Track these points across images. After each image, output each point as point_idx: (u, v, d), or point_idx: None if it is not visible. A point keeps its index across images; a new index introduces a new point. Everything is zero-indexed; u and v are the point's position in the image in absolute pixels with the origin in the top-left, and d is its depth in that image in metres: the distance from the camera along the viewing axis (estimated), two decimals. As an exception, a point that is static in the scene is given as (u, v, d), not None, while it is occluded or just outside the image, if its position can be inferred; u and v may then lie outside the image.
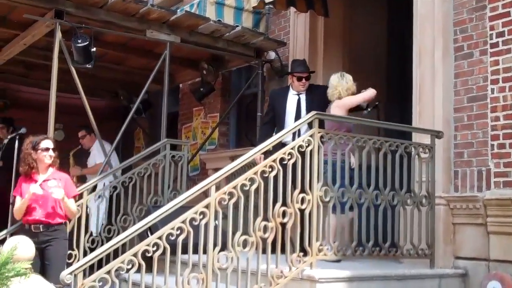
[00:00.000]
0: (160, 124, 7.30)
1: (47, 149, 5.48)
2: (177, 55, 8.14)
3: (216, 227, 4.44)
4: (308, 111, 5.96)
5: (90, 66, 6.78)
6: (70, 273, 3.81)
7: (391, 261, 5.50)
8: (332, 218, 4.96)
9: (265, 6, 6.94)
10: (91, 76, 9.24)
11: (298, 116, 6.18)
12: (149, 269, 4.18)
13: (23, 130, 6.97)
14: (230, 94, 8.94)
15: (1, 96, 9.85)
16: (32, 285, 3.46)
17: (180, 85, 9.77)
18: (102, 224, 6.94)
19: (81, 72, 7.87)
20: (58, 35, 6.49)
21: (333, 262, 5.08)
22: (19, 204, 5.45)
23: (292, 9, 7.42)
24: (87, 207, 6.25)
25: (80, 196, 6.10)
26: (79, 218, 6.05)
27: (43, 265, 5.28)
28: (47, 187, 5.45)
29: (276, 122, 6.37)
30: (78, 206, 6.02)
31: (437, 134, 5.41)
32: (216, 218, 4.36)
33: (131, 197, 6.52)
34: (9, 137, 8.39)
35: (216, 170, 4.68)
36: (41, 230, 5.37)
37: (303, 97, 6.35)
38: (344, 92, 5.97)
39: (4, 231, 5.77)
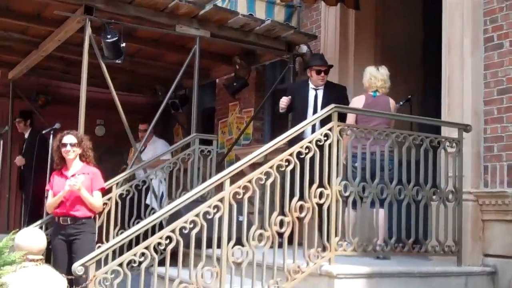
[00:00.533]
0: (198, 119, 7.34)
1: (64, 145, 5.56)
2: (209, 50, 8.18)
3: (239, 220, 4.44)
4: (324, 107, 5.87)
5: (119, 61, 6.86)
6: (82, 265, 3.86)
7: (420, 258, 5.37)
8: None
9: (294, -1, 6.87)
10: (129, 72, 9.44)
11: (315, 111, 6.16)
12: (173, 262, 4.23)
13: (57, 125, 7.11)
14: (264, 89, 8.90)
15: (43, 92, 10.03)
16: (40, 274, 3.52)
17: (217, 80, 9.79)
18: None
19: (119, 68, 8.07)
20: (88, 31, 6.57)
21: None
22: (51, 200, 5.56)
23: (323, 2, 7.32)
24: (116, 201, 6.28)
25: (109, 190, 6.17)
26: (109, 212, 6.12)
27: (70, 257, 5.37)
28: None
29: (293, 116, 6.33)
30: (107, 200, 6.14)
31: (465, 128, 5.25)
32: (230, 211, 4.33)
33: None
34: (28, 131, 8.61)
35: (254, 166, 4.65)
36: (69, 223, 5.46)
37: (320, 93, 6.32)
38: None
39: (39, 221, 5.95)
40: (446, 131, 5.49)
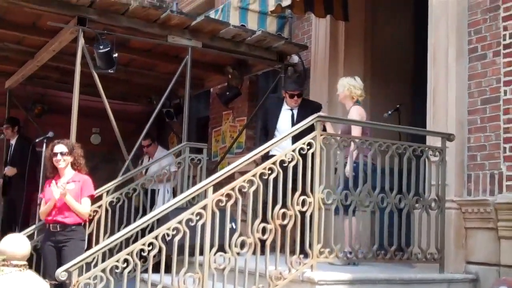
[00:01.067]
0: (192, 128, 7.45)
1: (55, 154, 5.66)
2: (202, 60, 8.30)
3: (232, 228, 4.55)
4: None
5: (112, 71, 6.96)
6: (65, 270, 3.95)
7: (404, 265, 5.43)
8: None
9: (283, 10, 6.95)
10: (124, 81, 9.56)
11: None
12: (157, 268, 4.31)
13: (50, 134, 7.18)
14: (257, 98, 8.99)
15: (39, 101, 10.16)
16: (24, 279, 3.60)
17: (211, 90, 9.89)
18: None
19: (114, 77, 8.20)
20: (81, 41, 6.69)
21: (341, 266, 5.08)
22: (43, 208, 5.68)
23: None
24: (106, 209, 6.37)
25: (100, 197, 6.26)
26: (99, 219, 6.21)
27: (59, 263, 5.45)
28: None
29: (269, 136, 6.42)
30: (98, 207, 6.23)
31: (448, 137, 5.33)
32: (213, 219, 4.42)
33: (150, 200, 6.66)
34: (15, 138, 8.69)
35: (242, 173, 4.74)
36: (58, 229, 5.58)
37: (295, 112, 6.45)
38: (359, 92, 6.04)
39: (31, 227, 6.13)
40: (430, 140, 5.56)
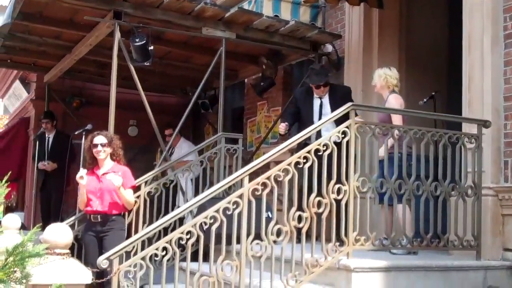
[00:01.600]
0: (227, 119, 7.53)
1: (95, 145, 5.78)
2: (236, 51, 8.38)
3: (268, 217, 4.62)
4: (329, 114, 6.04)
5: (148, 64, 7.05)
6: (106, 258, 4.07)
7: (440, 253, 5.43)
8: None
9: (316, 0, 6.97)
10: (160, 74, 9.69)
11: (320, 118, 6.31)
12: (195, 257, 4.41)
13: (89, 127, 7.36)
14: (291, 88, 9.02)
15: (78, 94, 10.37)
16: (67, 267, 3.72)
17: (245, 80, 9.96)
18: None
19: (150, 70, 8.32)
20: (117, 35, 6.80)
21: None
22: (83, 196, 5.81)
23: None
24: (144, 199, 6.48)
25: (138, 188, 6.38)
26: (138, 209, 6.33)
27: (100, 252, 5.59)
28: (105, 180, 5.77)
29: (299, 125, 6.48)
30: (137, 197, 6.35)
31: (484, 124, 5.30)
32: (249, 207, 4.48)
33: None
34: (53, 133, 8.85)
35: (277, 163, 4.80)
36: (99, 220, 5.71)
37: (325, 101, 6.53)
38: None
39: (73, 218, 6.34)
40: (466, 127, 5.54)
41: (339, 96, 6.44)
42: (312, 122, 6.27)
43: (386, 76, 6.03)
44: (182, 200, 7.15)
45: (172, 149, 8.80)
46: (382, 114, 5.84)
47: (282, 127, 6.59)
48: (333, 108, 6.26)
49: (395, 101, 5.93)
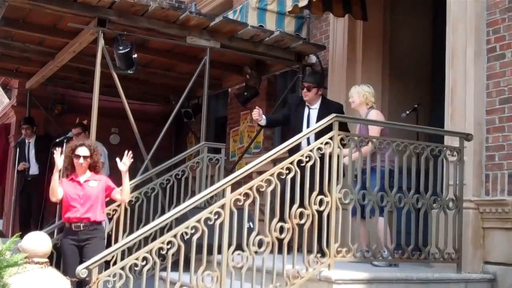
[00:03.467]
0: (210, 128, 7.50)
1: (78, 157, 5.74)
2: (221, 61, 8.37)
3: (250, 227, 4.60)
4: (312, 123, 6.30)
5: (131, 72, 7.04)
6: (85, 268, 4.02)
7: (422, 265, 5.44)
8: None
9: (301, 10, 6.98)
10: (144, 82, 9.66)
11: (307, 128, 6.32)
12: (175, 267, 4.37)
13: (70, 134, 7.29)
14: (275, 98, 9.03)
15: (59, 101, 10.27)
16: (45, 276, 3.67)
17: (229, 90, 9.95)
18: None
19: (133, 78, 8.29)
20: (101, 42, 6.77)
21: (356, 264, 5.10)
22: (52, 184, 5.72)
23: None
24: (125, 208, 6.44)
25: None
26: (118, 218, 6.28)
27: (81, 261, 5.52)
28: (88, 187, 5.73)
29: (287, 131, 6.49)
30: (117, 206, 6.31)
31: (465, 137, 5.32)
32: (231, 218, 4.45)
33: (168, 198, 6.73)
34: (33, 138, 8.80)
35: (260, 173, 4.78)
36: (82, 228, 5.64)
37: (313, 112, 6.51)
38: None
39: (52, 226, 6.33)
40: (448, 140, 5.56)
41: (328, 111, 6.39)
42: (298, 131, 6.28)
43: (365, 93, 6.09)
44: None
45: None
46: (363, 128, 5.87)
47: (255, 111, 6.45)
48: (318, 121, 6.21)
49: (376, 115, 5.97)
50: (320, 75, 7.35)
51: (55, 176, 5.68)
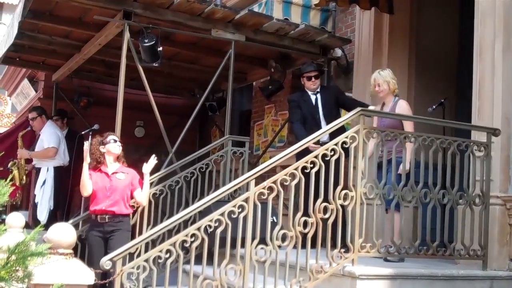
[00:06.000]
0: (234, 121, 7.50)
1: (115, 141, 5.83)
2: (245, 54, 8.35)
3: (274, 221, 4.59)
4: (324, 109, 6.53)
5: (156, 64, 7.05)
6: (110, 260, 4.04)
7: (447, 262, 5.38)
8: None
9: (327, 3, 6.94)
10: (168, 75, 9.69)
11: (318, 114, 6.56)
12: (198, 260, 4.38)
13: (96, 127, 7.33)
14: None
15: (86, 94, 10.33)
16: (69, 267, 3.70)
17: (254, 83, 9.93)
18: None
19: (158, 71, 8.33)
20: (127, 35, 6.79)
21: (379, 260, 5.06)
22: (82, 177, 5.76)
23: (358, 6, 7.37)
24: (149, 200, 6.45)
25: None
26: (142, 211, 6.30)
27: (106, 253, 5.56)
28: (115, 179, 5.78)
29: (306, 122, 6.56)
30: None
31: (493, 132, 5.23)
32: (255, 211, 4.44)
33: (192, 191, 6.74)
34: (66, 131, 8.92)
35: (284, 167, 4.77)
36: (107, 220, 5.68)
37: (318, 96, 6.62)
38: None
39: (77, 217, 6.38)
40: (475, 135, 5.48)
41: (331, 94, 6.66)
42: (314, 118, 6.52)
43: (392, 80, 5.93)
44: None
45: (38, 136, 8.65)
46: (390, 120, 5.79)
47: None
48: (325, 104, 6.56)
49: (407, 106, 5.89)
50: (312, 61, 7.44)
51: (85, 169, 5.72)
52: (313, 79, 6.62)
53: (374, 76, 6.00)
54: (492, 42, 5.58)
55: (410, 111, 5.85)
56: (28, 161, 8.63)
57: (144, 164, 5.85)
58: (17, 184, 8.60)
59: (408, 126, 5.62)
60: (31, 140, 9.00)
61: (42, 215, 8.02)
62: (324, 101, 6.57)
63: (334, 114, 6.43)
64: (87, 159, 5.69)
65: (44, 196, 8.06)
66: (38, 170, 8.40)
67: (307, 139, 4.84)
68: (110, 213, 5.68)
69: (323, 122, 6.49)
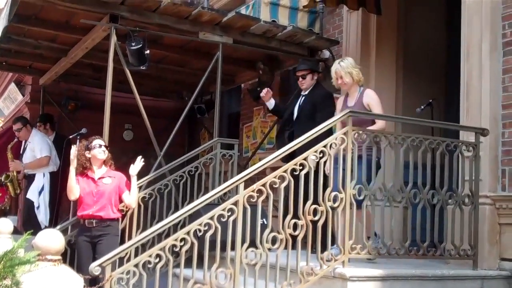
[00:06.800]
0: (223, 124, 7.48)
1: (100, 146, 5.78)
2: (233, 56, 8.34)
3: (264, 224, 4.57)
4: (300, 112, 6.48)
5: (144, 68, 7.02)
6: (99, 265, 4.01)
7: (437, 262, 5.39)
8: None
9: (316, 4, 6.94)
10: (156, 78, 9.65)
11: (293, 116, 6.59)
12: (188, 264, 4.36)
13: (83, 131, 7.29)
14: (288, 94, 8.96)
15: (74, 97, 10.28)
16: (58, 274, 3.66)
17: (242, 85, 9.92)
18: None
19: (146, 74, 8.31)
20: (114, 38, 6.76)
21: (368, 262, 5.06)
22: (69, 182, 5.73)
23: (346, 7, 7.37)
24: (139, 204, 6.42)
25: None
26: (132, 215, 6.27)
27: (94, 258, 5.53)
28: (102, 184, 5.74)
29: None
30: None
31: (481, 132, 5.26)
32: (244, 214, 4.42)
33: (182, 195, 6.71)
34: (53, 136, 8.91)
35: (274, 169, 4.75)
36: (94, 225, 5.65)
37: (303, 99, 6.61)
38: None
39: (66, 222, 6.34)
40: (464, 135, 5.50)
41: (314, 98, 6.49)
42: (291, 121, 6.58)
43: (353, 70, 5.60)
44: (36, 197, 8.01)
45: (25, 145, 8.67)
46: (357, 104, 5.55)
47: (264, 90, 6.82)
48: (302, 108, 6.49)
49: (375, 95, 5.60)
50: (316, 61, 7.40)
51: (71, 173, 5.68)
52: (300, 78, 6.59)
53: (335, 69, 5.66)
54: (479, 42, 5.61)
55: (378, 100, 5.56)
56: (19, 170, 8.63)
57: (131, 166, 5.80)
58: (12, 195, 8.65)
59: (376, 110, 5.44)
60: (17, 149, 8.96)
61: (46, 220, 8.19)
62: (303, 105, 6.49)
63: (308, 120, 6.21)
64: (73, 163, 5.65)
65: (45, 201, 8.18)
66: (29, 176, 8.36)
67: (286, 147, 4.77)
68: (98, 218, 5.65)
69: (295, 126, 6.46)
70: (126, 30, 6.92)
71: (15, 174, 8.57)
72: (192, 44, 8.06)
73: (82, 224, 5.74)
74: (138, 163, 5.83)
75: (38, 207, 8.17)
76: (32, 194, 8.26)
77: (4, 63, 9.63)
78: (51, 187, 8.23)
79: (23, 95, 11.19)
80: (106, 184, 5.75)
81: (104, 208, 5.67)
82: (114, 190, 5.76)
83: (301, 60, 6.94)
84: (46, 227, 7.72)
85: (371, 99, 5.57)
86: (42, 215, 8.17)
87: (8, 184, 8.52)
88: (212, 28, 7.30)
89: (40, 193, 8.19)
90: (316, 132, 4.79)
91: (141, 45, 6.86)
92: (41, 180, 8.24)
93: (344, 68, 5.60)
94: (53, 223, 7.81)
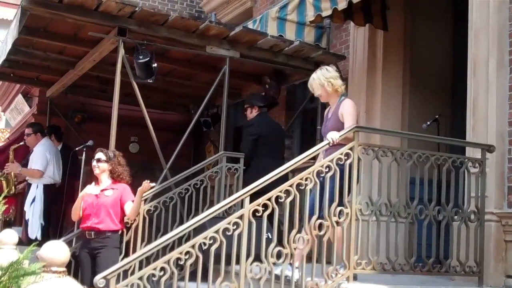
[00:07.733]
0: (229, 137, 7.50)
1: (98, 160, 5.78)
2: (240, 70, 8.37)
3: (269, 238, 4.56)
4: None
5: (151, 81, 7.05)
6: (103, 277, 4.00)
7: (443, 278, 5.36)
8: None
9: (323, 20, 6.95)
10: (163, 91, 9.68)
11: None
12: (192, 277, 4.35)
13: (90, 143, 7.33)
14: (294, 108, 8.99)
15: (80, 110, 10.31)
16: (62, 285, 3.65)
17: (248, 99, 9.92)
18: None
19: (153, 87, 8.34)
20: (121, 51, 6.80)
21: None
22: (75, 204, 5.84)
23: (352, 23, 7.40)
24: (144, 217, 6.42)
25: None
26: (136, 227, 6.26)
27: (94, 271, 5.53)
28: (103, 196, 5.75)
29: None
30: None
31: (488, 148, 5.25)
32: (249, 228, 4.42)
33: (187, 208, 6.71)
34: (59, 146, 8.93)
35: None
36: (93, 237, 5.66)
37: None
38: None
39: (71, 234, 6.35)
40: (470, 152, 5.49)
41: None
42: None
43: (328, 80, 5.26)
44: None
45: (31, 151, 8.67)
46: (332, 123, 5.28)
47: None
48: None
49: (351, 105, 5.23)
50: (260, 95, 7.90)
51: (79, 198, 5.80)
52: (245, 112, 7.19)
53: (309, 82, 5.39)
54: (486, 58, 5.61)
55: (354, 110, 5.21)
56: (20, 175, 8.65)
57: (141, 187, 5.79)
58: (5, 194, 8.59)
59: (347, 121, 5.10)
60: (24, 154, 8.98)
61: (34, 233, 8.02)
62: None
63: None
64: (83, 193, 5.81)
65: (34, 213, 8.08)
66: (29, 185, 8.39)
67: (291, 161, 4.78)
68: (96, 230, 5.66)
69: None
70: (133, 43, 6.96)
71: (12, 175, 8.59)
72: (199, 57, 8.10)
73: (83, 236, 5.77)
74: (147, 187, 5.78)
75: (27, 219, 8.14)
76: (26, 205, 8.27)
77: (11, 75, 9.68)
78: (48, 199, 8.17)
79: (30, 107, 11.23)
80: (107, 196, 5.75)
81: (103, 220, 5.67)
82: (115, 202, 5.75)
83: (248, 95, 7.16)
84: (36, 239, 7.73)
85: (344, 110, 5.20)
86: (29, 227, 8.08)
87: (3, 181, 8.53)
88: (219, 42, 7.34)
89: (30, 204, 8.17)
90: (317, 150, 4.82)
91: (148, 58, 6.90)
92: (34, 191, 8.23)
93: (315, 80, 5.31)
94: (57, 235, 7.78)
